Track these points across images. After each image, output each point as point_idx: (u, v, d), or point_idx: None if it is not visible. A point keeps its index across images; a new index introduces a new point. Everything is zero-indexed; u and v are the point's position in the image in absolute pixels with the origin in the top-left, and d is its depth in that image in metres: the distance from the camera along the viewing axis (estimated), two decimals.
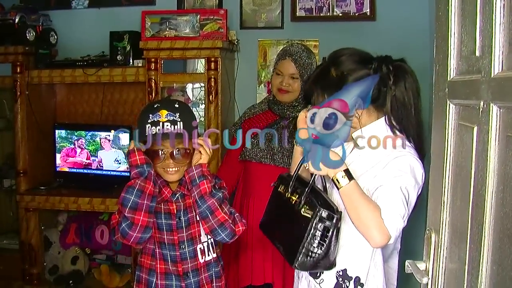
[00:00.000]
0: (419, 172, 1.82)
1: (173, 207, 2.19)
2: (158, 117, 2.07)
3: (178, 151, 2.12)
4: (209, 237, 2.22)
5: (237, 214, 2.18)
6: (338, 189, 1.77)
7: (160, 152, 2.11)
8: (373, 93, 1.90)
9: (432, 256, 1.47)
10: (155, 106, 2.12)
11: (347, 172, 1.77)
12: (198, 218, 2.17)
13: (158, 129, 2.05)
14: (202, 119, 3.86)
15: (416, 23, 3.89)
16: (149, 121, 2.07)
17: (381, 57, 1.99)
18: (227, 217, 2.10)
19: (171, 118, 2.07)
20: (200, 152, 2.13)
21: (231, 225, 2.11)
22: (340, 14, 4.13)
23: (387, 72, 1.93)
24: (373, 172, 1.86)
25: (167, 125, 2.06)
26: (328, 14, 4.15)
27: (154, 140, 2.07)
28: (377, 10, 4.07)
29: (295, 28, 4.23)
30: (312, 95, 2.00)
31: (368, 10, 4.07)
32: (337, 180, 1.76)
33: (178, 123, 2.08)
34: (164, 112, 2.08)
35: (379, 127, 1.95)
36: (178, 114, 2.09)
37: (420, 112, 1.96)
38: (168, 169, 2.13)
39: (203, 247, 2.22)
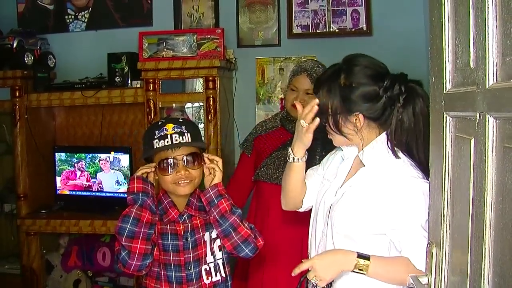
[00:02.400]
0: None
1: (180, 228, 2.16)
2: (165, 131, 2.08)
3: (189, 157, 2.11)
4: (217, 257, 2.20)
5: (256, 230, 2.18)
6: (364, 274, 1.78)
7: (171, 161, 2.09)
8: (377, 111, 1.90)
9: (434, 270, 1.45)
10: (159, 123, 2.14)
11: (360, 254, 1.78)
12: (205, 239, 2.17)
13: (167, 141, 2.06)
14: (202, 138, 3.86)
15: (413, 37, 3.91)
16: (155, 137, 2.08)
17: (396, 75, 1.95)
18: (250, 232, 2.10)
19: (178, 130, 2.08)
20: (213, 170, 2.14)
21: (253, 239, 2.11)
22: (337, 30, 4.16)
23: (398, 93, 1.90)
24: (383, 206, 1.84)
25: (175, 137, 2.07)
26: (325, 30, 4.18)
27: (162, 151, 2.08)
28: (373, 25, 4.10)
29: (292, 45, 4.25)
30: (318, 91, 1.99)
31: (364, 25, 4.11)
32: (359, 269, 1.77)
33: (186, 134, 2.09)
34: (170, 126, 2.09)
35: (379, 145, 1.94)
36: (184, 126, 2.11)
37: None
38: (180, 182, 2.11)
39: (209, 267, 2.19)
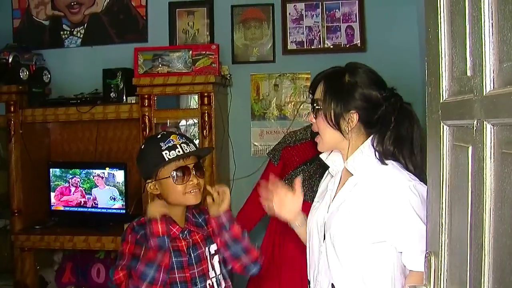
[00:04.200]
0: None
1: (181, 243, 2.14)
2: (172, 142, 2.09)
3: (197, 166, 2.13)
4: (217, 272, 2.20)
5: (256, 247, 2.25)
6: None
7: (184, 171, 2.10)
8: (373, 117, 1.92)
9: (433, 280, 1.45)
10: (159, 136, 2.14)
11: None
12: (206, 254, 2.17)
13: (178, 151, 2.07)
14: None
15: (407, 52, 3.94)
16: (163, 148, 2.08)
17: (394, 91, 1.98)
18: (258, 253, 2.19)
19: (183, 140, 2.12)
20: (223, 196, 2.17)
21: (260, 259, 2.21)
22: (331, 46, 4.19)
23: (394, 107, 1.92)
24: (380, 212, 1.83)
25: (184, 146, 2.09)
26: (319, 46, 4.21)
27: (174, 162, 2.08)
28: (367, 41, 4.13)
29: (287, 61, 4.28)
30: (316, 87, 2.00)
31: (359, 41, 4.14)
32: None
33: (190, 143, 2.13)
34: (175, 136, 2.12)
35: (366, 151, 1.93)
36: (184, 138, 2.15)
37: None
38: (192, 191, 2.11)
39: (212, 282, 2.19)
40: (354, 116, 1.91)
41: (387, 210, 1.81)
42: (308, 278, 2.10)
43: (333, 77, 1.98)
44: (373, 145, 1.92)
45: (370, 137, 1.94)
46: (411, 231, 1.76)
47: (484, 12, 1.10)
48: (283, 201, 2.08)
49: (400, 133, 1.92)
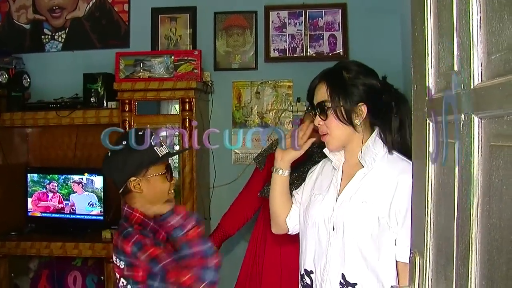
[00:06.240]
0: None
1: (170, 246, 2.07)
2: (157, 139, 2.03)
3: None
4: None
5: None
6: None
7: (169, 168, 2.07)
8: (379, 106, 1.97)
9: (418, 280, 1.43)
10: (141, 133, 2.03)
11: None
12: None
13: (165, 148, 2.05)
14: (177, 161, 3.82)
15: (389, 62, 3.92)
16: (153, 144, 2.01)
17: (385, 78, 2.06)
18: None
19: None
20: None
21: None
22: (314, 54, 4.19)
23: (391, 92, 2.00)
24: (384, 197, 1.88)
25: (164, 143, 2.07)
26: (302, 54, 4.21)
27: (168, 159, 2.06)
28: (349, 50, 4.14)
29: (269, 69, 4.27)
30: (315, 92, 2.03)
31: (341, 50, 4.15)
32: None
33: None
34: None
35: (372, 146, 1.96)
36: None
37: None
38: (172, 190, 2.08)
39: None
40: (363, 108, 1.96)
41: (393, 199, 1.86)
42: (306, 268, 2.07)
43: (333, 76, 2.02)
44: (380, 137, 1.98)
45: (375, 131, 1.99)
46: (408, 223, 1.76)
47: (472, 5, 1.09)
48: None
49: (403, 117, 1.98)
